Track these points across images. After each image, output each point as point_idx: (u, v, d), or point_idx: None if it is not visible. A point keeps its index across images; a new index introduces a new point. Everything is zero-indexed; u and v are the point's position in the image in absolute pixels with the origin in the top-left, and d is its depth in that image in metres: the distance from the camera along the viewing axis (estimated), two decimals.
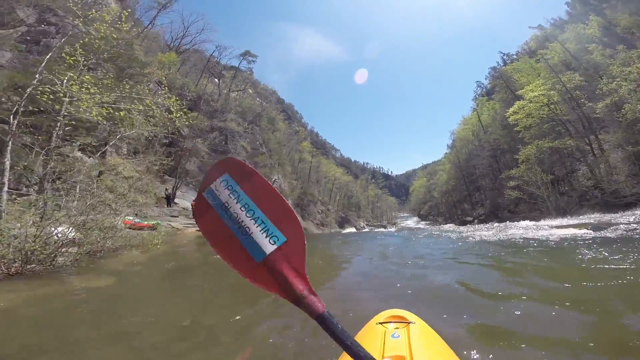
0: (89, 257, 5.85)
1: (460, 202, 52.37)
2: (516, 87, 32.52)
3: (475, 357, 2.10)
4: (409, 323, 1.41)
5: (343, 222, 47.06)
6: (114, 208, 10.30)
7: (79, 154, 10.02)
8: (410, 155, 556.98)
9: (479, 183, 47.40)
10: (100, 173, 11.62)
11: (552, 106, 24.61)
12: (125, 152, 17.39)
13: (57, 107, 6.72)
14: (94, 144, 9.73)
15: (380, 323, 1.45)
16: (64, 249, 5.32)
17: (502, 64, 51.11)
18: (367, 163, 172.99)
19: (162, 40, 32.48)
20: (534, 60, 31.96)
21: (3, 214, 5.24)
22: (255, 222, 0.71)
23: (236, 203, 0.73)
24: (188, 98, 23.93)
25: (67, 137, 9.93)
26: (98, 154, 9.61)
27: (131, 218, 9.77)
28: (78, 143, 11.70)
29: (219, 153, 24.43)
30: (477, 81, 70.75)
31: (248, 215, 0.72)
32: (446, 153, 74.77)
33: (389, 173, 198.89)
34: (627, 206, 18.38)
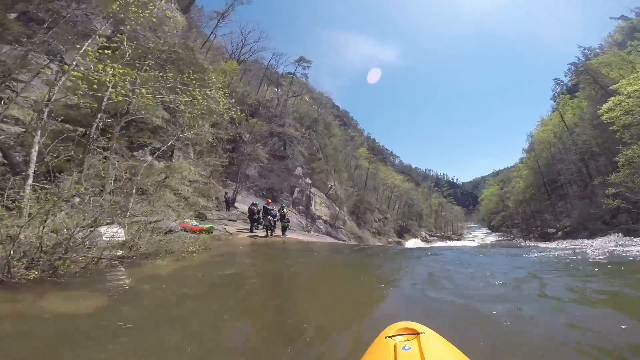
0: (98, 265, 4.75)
1: (540, 213, 46.02)
2: (606, 82, 29.04)
3: None
4: (418, 334, 1.37)
5: (402, 232, 44.94)
6: (176, 210, 11.23)
7: (149, 157, 11.18)
8: (478, 161, 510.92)
9: (563, 191, 41.27)
10: (166, 177, 12.70)
11: None
12: (193, 157, 19.02)
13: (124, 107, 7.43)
14: (162, 148, 10.74)
15: (390, 337, 1.42)
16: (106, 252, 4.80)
17: (582, 59, 47.10)
18: (430, 170, 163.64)
19: (224, 52, 35.48)
20: (626, 52, 28.93)
21: (25, 209, 4.71)
22: None
23: None
24: (249, 104, 25.53)
25: (136, 141, 11.24)
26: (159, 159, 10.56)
27: (189, 221, 10.46)
28: (150, 147, 13.06)
29: (278, 158, 25.56)
30: (556, 78, 62.71)
31: None
32: (521, 158, 67.03)
33: (454, 181, 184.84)
34: None
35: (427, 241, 44.27)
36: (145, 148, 13.98)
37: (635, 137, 22.24)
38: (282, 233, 12.82)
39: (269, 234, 11.75)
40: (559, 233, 37.91)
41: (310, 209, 30.79)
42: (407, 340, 1.34)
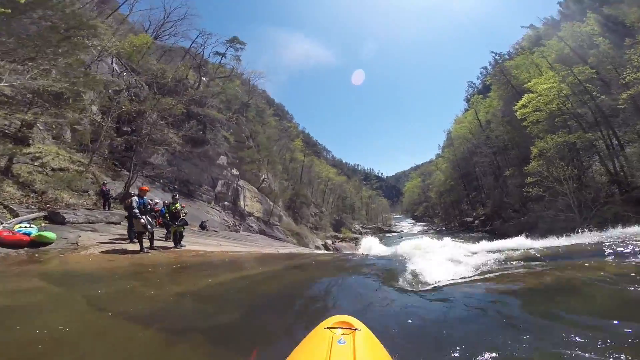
0: None
1: (459, 203, 50.16)
2: (517, 83, 32.20)
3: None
4: (355, 330, 1.46)
5: (338, 225, 43.95)
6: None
7: None
8: (399, 157, 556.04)
9: (479, 182, 45.35)
10: (10, 162, 8.24)
11: (562, 99, 23.72)
12: (70, 140, 13.80)
13: None
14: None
15: (329, 328, 1.50)
16: None
17: (494, 64, 52.31)
18: (358, 165, 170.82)
19: (142, 30, 29.06)
20: (535, 55, 31.58)
21: None
22: None
23: None
24: (162, 82, 20.47)
25: None
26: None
27: (26, 225, 6.37)
28: None
29: (195, 144, 20.85)
30: (469, 81, 70.35)
31: None
32: (438, 154, 73.51)
33: (380, 175, 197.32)
34: None
35: (360, 233, 44.22)
36: None
37: (544, 132, 24.74)
38: (175, 243, 8.32)
39: (143, 247, 7.07)
40: (476, 221, 41.56)
41: (239, 204, 26.73)
42: (344, 334, 1.41)
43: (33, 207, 8.14)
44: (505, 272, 5.56)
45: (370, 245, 15.28)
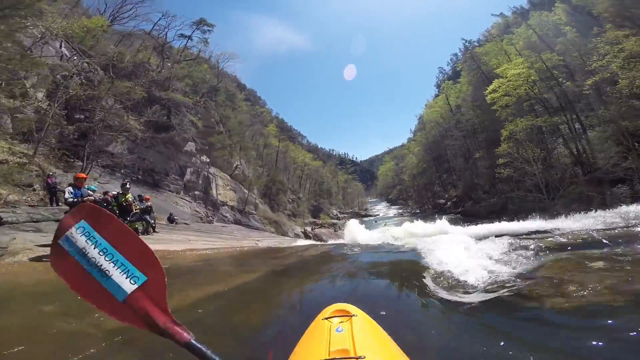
0: None
1: (431, 185, 51.51)
2: (486, 69, 33.11)
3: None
4: (351, 316, 1.48)
5: (316, 211, 43.65)
6: None
7: None
8: (373, 141, 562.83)
9: (450, 164, 46.63)
10: None
11: (530, 85, 24.75)
12: (12, 130, 12.11)
13: None
14: None
15: (326, 318, 1.51)
16: None
17: (464, 51, 53.52)
18: (333, 150, 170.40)
19: (97, 13, 25.91)
20: (504, 42, 32.59)
21: None
22: (115, 264, 0.78)
23: (94, 248, 0.79)
24: (120, 66, 18.38)
25: None
26: None
27: None
28: None
29: (159, 130, 19.08)
30: (439, 67, 71.44)
31: (107, 259, 0.78)
32: (409, 138, 74.79)
33: (354, 159, 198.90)
34: (618, 182, 18.20)
35: (338, 219, 44.32)
36: None
37: (512, 116, 25.71)
38: None
39: None
40: (448, 203, 42.98)
41: (211, 193, 25.38)
42: (341, 322, 1.43)
43: None
44: (569, 268, 3.96)
45: (355, 232, 14.51)
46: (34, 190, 9.41)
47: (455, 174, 45.39)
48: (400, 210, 56.50)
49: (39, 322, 2.91)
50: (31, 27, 12.28)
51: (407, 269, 5.40)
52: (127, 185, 7.41)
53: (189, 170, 23.17)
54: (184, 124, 21.49)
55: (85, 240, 0.79)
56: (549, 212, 14.36)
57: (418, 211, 49.27)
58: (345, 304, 1.68)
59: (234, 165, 30.32)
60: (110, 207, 7.64)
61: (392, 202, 74.48)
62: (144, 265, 0.79)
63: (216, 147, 26.56)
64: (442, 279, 4.17)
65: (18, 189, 8.94)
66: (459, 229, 11.90)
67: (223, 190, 27.23)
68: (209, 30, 33.41)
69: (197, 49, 34.33)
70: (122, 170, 16.79)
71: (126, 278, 0.76)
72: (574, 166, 23.73)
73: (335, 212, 51.54)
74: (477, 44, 48.03)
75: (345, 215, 49.66)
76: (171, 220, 15.40)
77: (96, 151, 13.48)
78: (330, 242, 19.00)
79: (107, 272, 0.76)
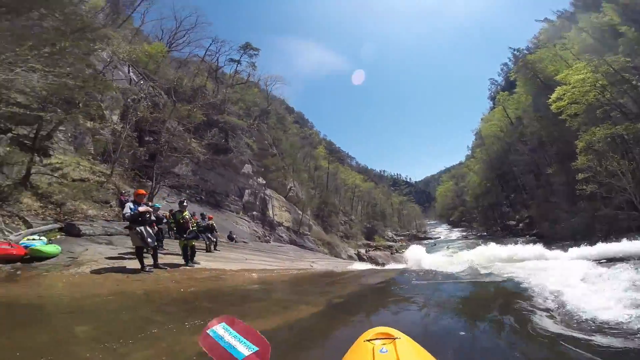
0: None
1: (498, 205, 46.77)
2: (544, 76, 31.31)
3: None
4: (394, 339, 1.46)
5: (370, 233, 42.34)
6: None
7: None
8: (425, 161, 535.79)
9: (517, 182, 42.09)
10: (29, 172, 8.04)
11: (599, 90, 22.10)
12: (93, 152, 13.89)
13: None
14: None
15: (368, 340, 1.50)
16: None
17: (514, 60, 50.48)
18: (384, 171, 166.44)
19: (154, 40, 30.19)
20: (557, 47, 30.85)
21: None
22: (239, 341, 1.48)
23: (230, 335, 1.52)
24: (180, 91, 20.62)
25: None
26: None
27: (34, 238, 6.14)
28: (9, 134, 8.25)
29: (218, 152, 20.64)
30: (491, 78, 66.92)
31: (235, 339, 1.50)
32: (467, 155, 69.80)
33: (408, 180, 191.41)
34: None
35: (394, 241, 42.26)
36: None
37: (584, 125, 22.62)
38: (186, 260, 6.96)
39: (144, 266, 5.72)
40: (520, 224, 38.33)
41: (268, 214, 26.33)
42: (384, 344, 1.41)
43: (50, 218, 7.96)
44: None
45: (419, 257, 13.26)
46: (111, 206, 10.69)
47: (526, 192, 40.74)
48: (464, 233, 52.02)
49: (65, 347, 2.70)
50: (99, 50, 13.10)
51: (511, 307, 4.31)
52: (185, 203, 7.35)
53: (247, 191, 24.53)
54: (240, 146, 23.09)
55: (224, 331, 1.54)
56: None
57: (485, 234, 44.85)
58: (387, 327, 1.65)
59: (288, 187, 31.30)
60: (168, 222, 7.98)
61: (454, 224, 68.99)
62: (255, 342, 1.46)
63: (271, 169, 27.86)
64: (574, 319, 3.45)
65: (97, 204, 10.20)
66: (557, 252, 9.90)
67: (279, 211, 28.09)
68: (255, 54, 36.35)
69: (247, 73, 37.40)
70: (187, 191, 18.41)
71: (244, 348, 1.42)
72: None
73: (390, 234, 49.40)
74: (526, 52, 45.06)
75: (402, 237, 47.19)
76: (231, 238, 16.19)
77: (164, 172, 15.02)
78: (389, 266, 17.88)
79: (234, 346, 1.44)
